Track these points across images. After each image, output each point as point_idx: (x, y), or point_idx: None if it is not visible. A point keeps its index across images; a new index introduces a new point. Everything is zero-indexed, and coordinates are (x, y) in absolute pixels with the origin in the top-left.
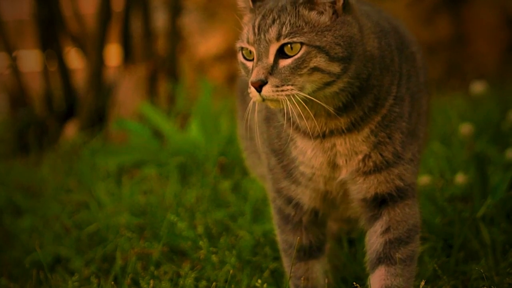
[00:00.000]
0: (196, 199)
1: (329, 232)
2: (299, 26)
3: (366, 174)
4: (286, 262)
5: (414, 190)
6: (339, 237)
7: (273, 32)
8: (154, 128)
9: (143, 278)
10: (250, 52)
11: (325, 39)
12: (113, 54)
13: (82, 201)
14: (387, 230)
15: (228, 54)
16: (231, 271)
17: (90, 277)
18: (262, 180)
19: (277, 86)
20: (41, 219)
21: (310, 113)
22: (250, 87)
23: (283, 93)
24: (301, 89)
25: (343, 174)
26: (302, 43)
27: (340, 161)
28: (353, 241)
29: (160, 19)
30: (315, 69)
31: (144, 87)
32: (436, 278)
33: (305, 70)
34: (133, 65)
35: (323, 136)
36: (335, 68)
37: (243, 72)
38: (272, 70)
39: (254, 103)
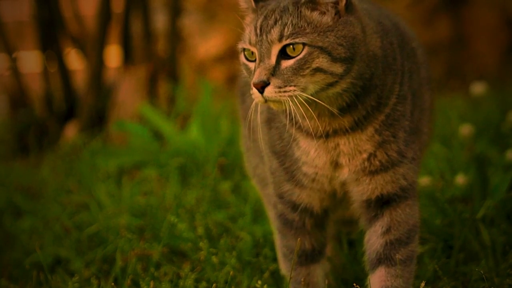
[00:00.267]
0: (196, 200)
1: (329, 234)
2: (301, 26)
3: (373, 173)
4: (286, 268)
5: (415, 189)
6: (339, 238)
7: (275, 33)
8: (154, 129)
9: (143, 279)
10: (252, 53)
11: (327, 39)
12: (113, 55)
13: (82, 202)
14: (387, 231)
15: (228, 55)
16: (231, 272)
17: (90, 278)
18: (260, 185)
19: (280, 87)
20: (41, 220)
21: (314, 113)
22: (252, 88)
23: (286, 94)
24: (304, 90)
25: (345, 173)
26: (304, 44)
27: (343, 160)
28: (353, 242)
29: (160, 20)
30: (318, 69)
31: (144, 88)
32: (436, 279)
33: (307, 71)
34: (133, 66)
35: (327, 136)
36: (338, 68)
37: (245, 73)
38: (274, 71)
39: (256, 104)
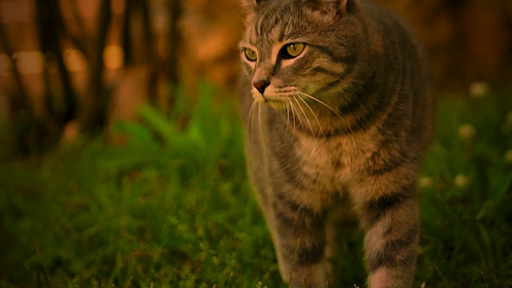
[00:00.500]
0: (196, 201)
1: (329, 235)
2: (302, 26)
3: (377, 173)
4: (286, 269)
5: (416, 189)
6: (339, 239)
7: (275, 32)
8: (154, 130)
9: (144, 280)
10: (253, 52)
11: (328, 39)
12: (113, 56)
13: (82, 203)
14: (389, 232)
15: (228, 56)
16: (231, 273)
17: (90, 279)
18: (261, 194)
19: (280, 87)
20: (41, 221)
21: (315, 113)
22: (252, 88)
23: (286, 93)
24: (304, 89)
25: (346, 172)
26: (305, 43)
27: (345, 160)
28: (353, 243)
29: (160, 21)
30: (318, 69)
31: (144, 89)
32: (436, 280)
33: (308, 70)
34: (133, 67)
35: (328, 135)
36: (339, 68)
37: (246, 72)
38: (275, 70)
39: (257, 104)
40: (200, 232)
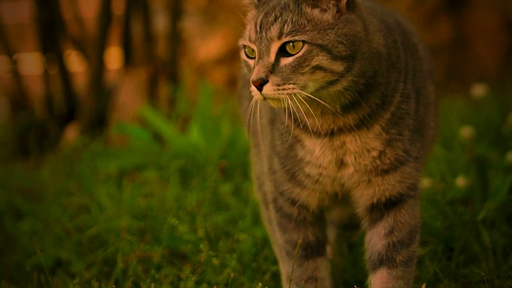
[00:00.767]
0: (197, 202)
1: (329, 237)
2: (301, 24)
3: (384, 172)
4: (289, 267)
5: (418, 188)
6: (339, 241)
7: (274, 30)
8: (154, 131)
9: (144, 281)
10: (253, 50)
11: (327, 37)
12: (113, 57)
13: (82, 204)
14: (390, 233)
15: (229, 57)
16: (232, 275)
17: (91, 280)
18: (264, 204)
19: (278, 85)
20: (42, 222)
21: (316, 111)
22: (251, 86)
23: (284, 92)
24: (303, 88)
25: (350, 172)
26: (304, 42)
27: (349, 159)
28: (352, 244)
29: (160, 22)
30: (317, 67)
31: (144, 90)
32: (437, 281)
33: (307, 68)
34: (134, 68)
35: (331, 134)
36: (338, 66)
37: (245, 70)
38: (273, 68)
39: (255, 104)
40: (201, 233)
